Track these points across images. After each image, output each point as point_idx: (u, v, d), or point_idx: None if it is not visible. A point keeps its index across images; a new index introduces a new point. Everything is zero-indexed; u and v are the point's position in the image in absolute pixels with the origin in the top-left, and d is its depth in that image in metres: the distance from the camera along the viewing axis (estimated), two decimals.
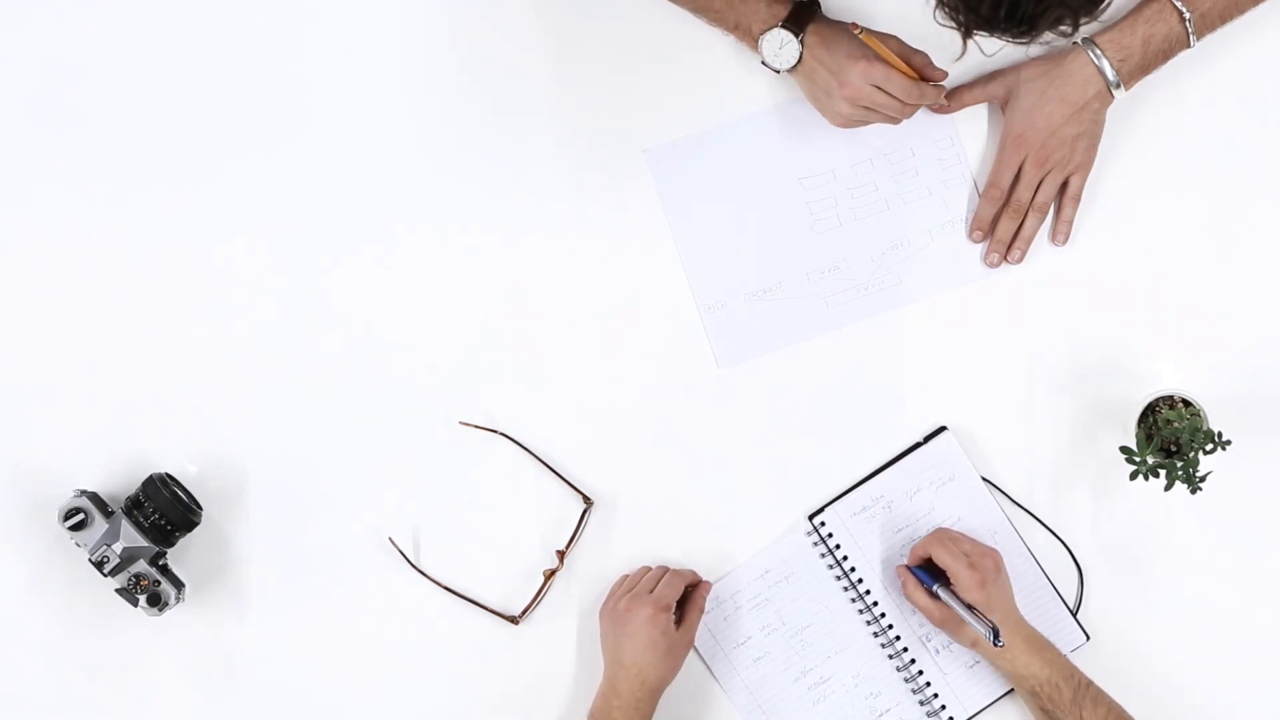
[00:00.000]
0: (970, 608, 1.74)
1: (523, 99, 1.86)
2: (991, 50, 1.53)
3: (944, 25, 1.43)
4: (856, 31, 1.72)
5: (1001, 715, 1.83)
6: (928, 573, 1.79)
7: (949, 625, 1.77)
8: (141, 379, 1.85)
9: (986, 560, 1.76)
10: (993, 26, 1.41)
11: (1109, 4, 1.44)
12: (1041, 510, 1.84)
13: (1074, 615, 1.83)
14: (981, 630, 1.72)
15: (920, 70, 1.76)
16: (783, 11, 1.75)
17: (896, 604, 1.83)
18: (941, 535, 1.79)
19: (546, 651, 1.85)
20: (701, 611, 1.81)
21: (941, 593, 1.76)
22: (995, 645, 1.72)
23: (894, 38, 1.75)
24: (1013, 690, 1.81)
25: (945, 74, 1.78)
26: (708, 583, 1.83)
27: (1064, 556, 1.84)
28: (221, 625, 1.85)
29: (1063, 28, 1.42)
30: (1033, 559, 1.84)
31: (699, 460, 1.85)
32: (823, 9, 1.77)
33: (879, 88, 1.73)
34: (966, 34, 1.43)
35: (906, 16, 1.76)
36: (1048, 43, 1.44)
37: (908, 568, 1.80)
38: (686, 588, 1.81)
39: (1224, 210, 1.85)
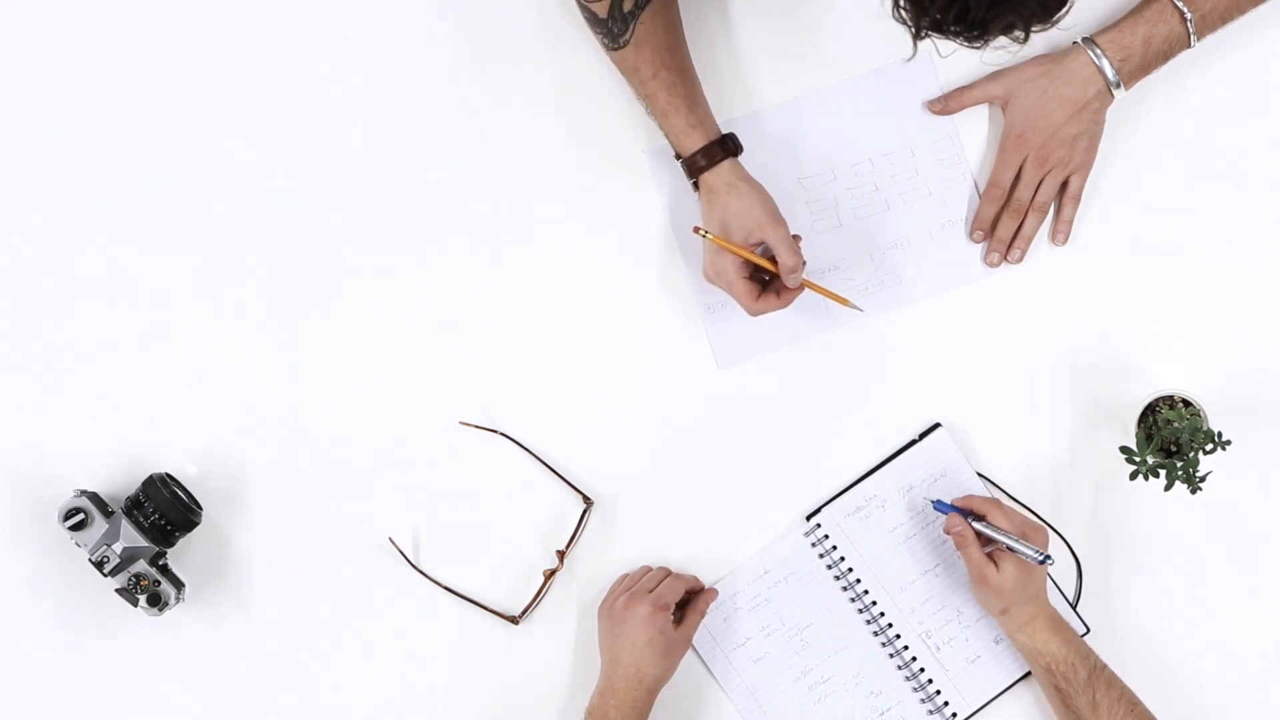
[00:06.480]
0: (1020, 538, 1.74)
1: (524, 100, 1.85)
2: (946, 51, 1.53)
3: (898, 22, 1.43)
4: (700, 234, 1.74)
5: (1005, 710, 1.84)
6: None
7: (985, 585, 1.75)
8: (141, 379, 1.85)
9: (1040, 535, 1.76)
10: (943, 29, 1.41)
11: (1066, 12, 1.42)
12: (1041, 508, 1.84)
13: (1074, 608, 1.83)
14: (1032, 553, 1.72)
15: (783, 270, 1.73)
16: (700, 139, 1.75)
17: (895, 602, 1.83)
18: (998, 503, 1.77)
19: (546, 651, 1.85)
20: (702, 615, 1.81)
21: (991, 530, 1.75)
22: (1045, 564, 1.73)
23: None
24: (1015, 684, 1.82)
25: (796, 290, 1.74)
26: (713, 590, 1.83)
27: (1062, 550, 1.84)
28: (221, 625, 1.85)
29: (1015, 33, 1.41)
30: None
31: (698, 460, 1.85)
32: (737, 149, 1.76)
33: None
34: (917, 34, 1.43)
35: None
36: (1014, 41, 1.43)
37: (964, 518, 1.77)
38: (689, 591, 1.81)
39: (1224, 210, 1.85)
